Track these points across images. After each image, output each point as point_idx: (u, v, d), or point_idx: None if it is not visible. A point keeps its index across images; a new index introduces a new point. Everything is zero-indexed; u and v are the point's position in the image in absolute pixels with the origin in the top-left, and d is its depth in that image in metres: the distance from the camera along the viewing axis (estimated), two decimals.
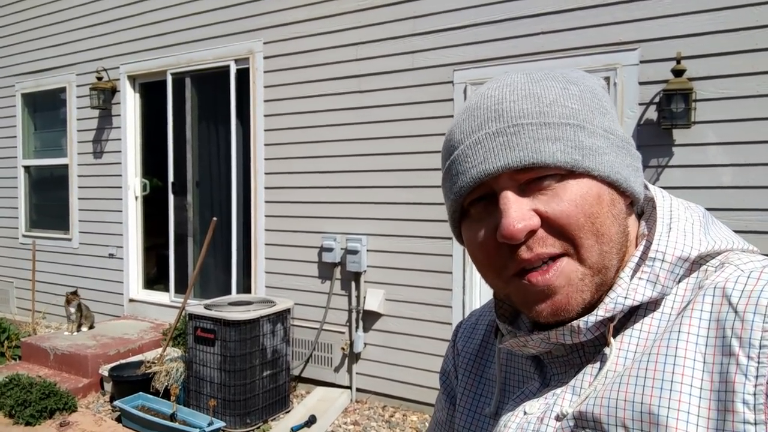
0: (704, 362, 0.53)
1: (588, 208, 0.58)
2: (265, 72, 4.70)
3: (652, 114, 3.25)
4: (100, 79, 5.60)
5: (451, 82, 3.86)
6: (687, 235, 0.61)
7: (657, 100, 3.22)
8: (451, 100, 3.86)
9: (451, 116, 3.85)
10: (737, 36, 3.03)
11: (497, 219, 0.59)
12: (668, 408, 0.52)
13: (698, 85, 3.11)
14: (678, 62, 3.11)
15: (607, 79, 3.35)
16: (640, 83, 3.28)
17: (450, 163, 0.64)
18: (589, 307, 0.60)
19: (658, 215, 0.64)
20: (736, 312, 0.52)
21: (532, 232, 0.58)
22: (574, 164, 0.58)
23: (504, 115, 0.60)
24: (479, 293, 3.84)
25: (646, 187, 0.68)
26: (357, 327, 4.23)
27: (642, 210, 0.69)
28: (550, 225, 0.58)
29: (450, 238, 3.86)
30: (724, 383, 0.51)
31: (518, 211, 0.58)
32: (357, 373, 4.29)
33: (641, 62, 3.28)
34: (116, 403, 3.83)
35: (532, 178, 0.59)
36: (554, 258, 0.59)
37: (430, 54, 3.95)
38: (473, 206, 0.63)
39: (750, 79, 3.01)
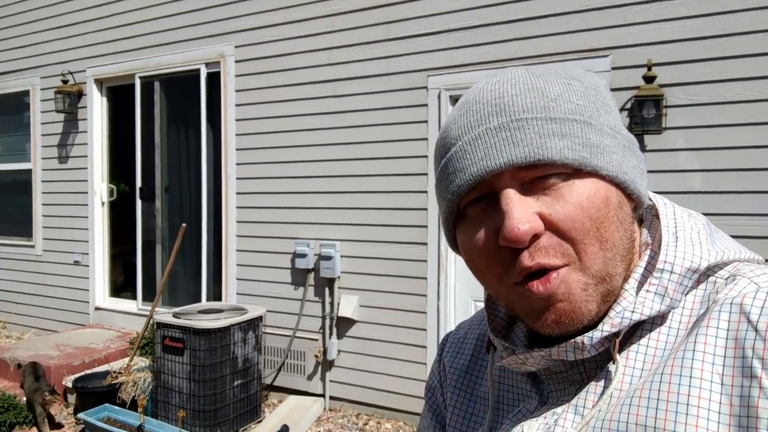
0: (722, 384, 0.49)
1: (594, 211, 0.54)
2: (236, 76, 4.63)
3: (624, 120, 3.29)
4: (65, 82, 5.46)
5: (425, 87, 3.86)
6: (695, 244, 0.57)
7: (629, 106, 3.26)
8: (425, 105, 3.85)
9: (426, 121, 3.84)
10: (706, 44, 3.09)
11: (498, 220, 0.55)
12: None
13: (669, 91, 3.16)
14: (649, 69, 3.15)
15: None
16: (612, 89, 3.31)
17: (446, 161, 0.60)
18: (597, 319, 0.57)
19: (662, 224, 0.60)
20: (756, 331, 0.49)
21: (536, 237, 0.54)
22: (582, 162, 0.54)
23: (506, 109, 0.56)
24: (454, 299, 3.82)
25: None
26: (331, 334, 4.18)
27: (641, 218, 0.66)
28: (554, 229, 0.55)
29: (425, 244, 3.84)
30: (746, 408, 0.47)
31: (522, 212, 0.54)
32: (330, 381, 4.22)
33: (613, 69, 3.32)
34: (80, 415, 3.69)
35: (535, 177, 0.55)
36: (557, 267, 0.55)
37: (404, 59, 3.94)
38: (471, 207, 0.59)
39: (719, 86, 3.07)
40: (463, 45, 3.74)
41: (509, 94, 0.57)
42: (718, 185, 3.10)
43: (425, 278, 3.86)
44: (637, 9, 3.24)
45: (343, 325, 4.16)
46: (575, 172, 0.55)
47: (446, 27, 3.79)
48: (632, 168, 0.58)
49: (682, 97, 3.15)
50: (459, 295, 3.81)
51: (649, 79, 3.15)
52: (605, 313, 0.57)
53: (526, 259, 0.55)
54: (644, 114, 3.13)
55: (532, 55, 3.52)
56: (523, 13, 3.54)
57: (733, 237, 0.62)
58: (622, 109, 3.29)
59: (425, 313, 3.86)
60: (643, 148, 3.25)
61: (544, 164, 0.54)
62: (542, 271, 0.55)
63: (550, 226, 0.55)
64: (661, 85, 3.16)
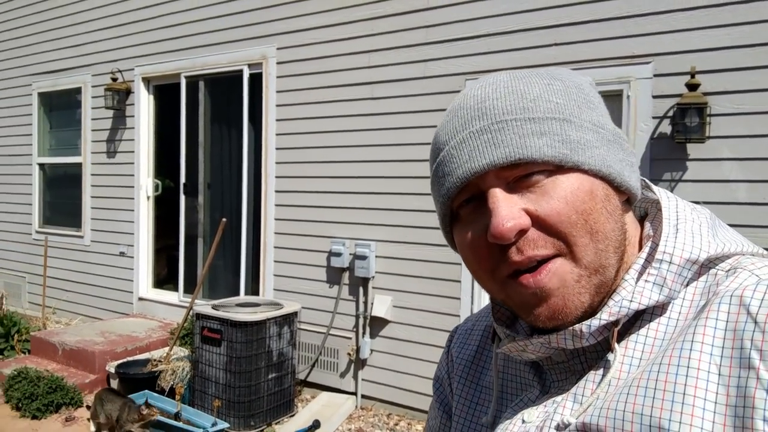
0: (719, 374, 0.50)
1: (580, 204, 0.56)
2: (278, 77, 4.73)
3: (666, 128, 3.23)
4: (114, 80, 5.66)
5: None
6: (695, 236, 0.59)
7: (671, 113, 3.20)
8: None
9: None
10: (754, 51, 3.00)
11: (487, 219, 0.57)
12: (680, 423, 0.49)
13: (713, 99, 3.09)
14: (692, 76, 3.08)
15: (620, 92, 3.34)
16: (654, 97, 3.26)
17: (437, 165, 0.63)
18: (591, 311, 0.58)
19: (663, 216, 0.61)
20: (755, 322, 0.49)
21: (522, 232, 0.56)
22: (562, 158, 0.56)
23: (488, 112, 0.59)
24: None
25: (649, 188, 0.66)
26: (364, 333, 4.23)
27: (646, 211, 0.67)
28: (541, 224, 0.56)
29: None
30: (743, 398, 0.48)
31: (507, 210, 0.56)
32: (363, 380, 4.28)
33: (655, 76, 3.26)
34: None
35: (519, 176, 0.57)
36: (547, 259, 0.57)
37: (442, 63, 3.95)
38: (462, 208, 0.62)
39: (767, 95, 2.98)
40: (502, 50, 3.73)
41: (490, 98, 0.59)
42: (766, 197, 3.02)
43: (459, 281, 3.87)
44: (680, 16, 3.17)
45: (377, 324, 4.21)
46: (558, 168, 0.57)
47: (485, 31, 3.79)
48: (618, 161, 0.60)
49: (727, 105, 3.08)
50: None
51: (692, 87, 3.08)
52: (604, 303, 0.59)
53: (515, 254, 0.57)
54: (687, 122, 3.06)
55: (571, 60, 3.48)
56: (564, 19, 3.51)
57: None
58: (663, 117, 3.24)
59: (458, 316, 3.87)
60: (685, 156, 3.19)
61: (525, 163, 0.56)
62: (534, 267, 0.57)
63: (537, 221, 0.56)
64: (705, 93, 3.09)
